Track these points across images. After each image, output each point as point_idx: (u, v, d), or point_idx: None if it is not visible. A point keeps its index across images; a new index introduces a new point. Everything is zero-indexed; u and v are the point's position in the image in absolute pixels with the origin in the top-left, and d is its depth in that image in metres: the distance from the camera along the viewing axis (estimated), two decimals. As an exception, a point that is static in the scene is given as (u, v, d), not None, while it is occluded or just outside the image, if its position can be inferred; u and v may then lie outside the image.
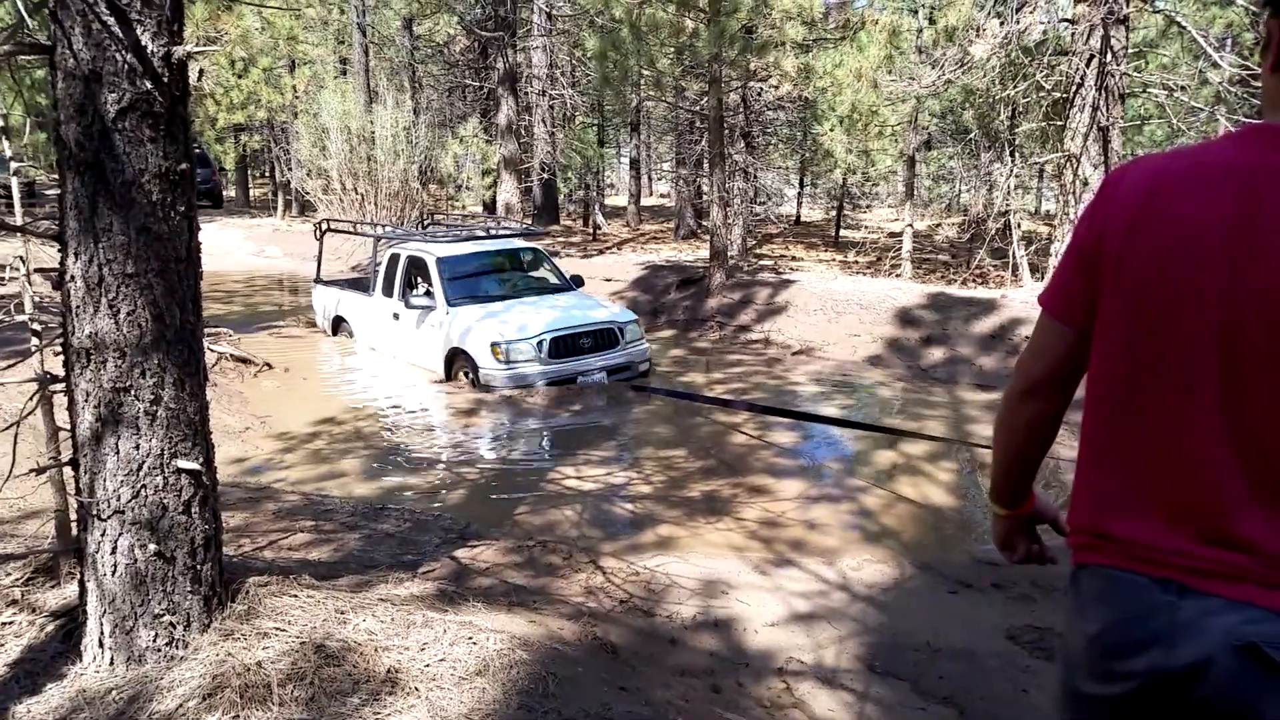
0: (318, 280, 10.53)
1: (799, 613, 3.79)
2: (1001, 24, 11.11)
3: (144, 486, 2.44)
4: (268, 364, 8.37)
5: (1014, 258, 12.35)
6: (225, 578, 2.71)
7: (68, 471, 2.66)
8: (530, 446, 6.56)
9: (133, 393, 2.40)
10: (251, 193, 28.57)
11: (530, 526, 4.82)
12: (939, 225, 18.26)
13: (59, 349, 2.49)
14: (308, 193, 17.91)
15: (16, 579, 2.91)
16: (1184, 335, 1.19)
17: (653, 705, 2.67)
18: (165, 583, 2.49)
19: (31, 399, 2.82)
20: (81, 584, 2.55)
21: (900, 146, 14.55)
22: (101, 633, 2.48)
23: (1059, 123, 10.92)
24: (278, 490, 5.19)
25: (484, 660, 2.56)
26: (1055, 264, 8.27)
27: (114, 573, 2.45)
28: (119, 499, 2.43)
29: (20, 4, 2.36)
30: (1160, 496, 1.23)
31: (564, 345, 7.69)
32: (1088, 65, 9.89)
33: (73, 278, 2.36)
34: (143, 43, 2.29)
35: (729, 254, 12.42)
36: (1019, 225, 12.41)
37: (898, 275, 13.31)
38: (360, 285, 10.09)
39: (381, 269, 9.09)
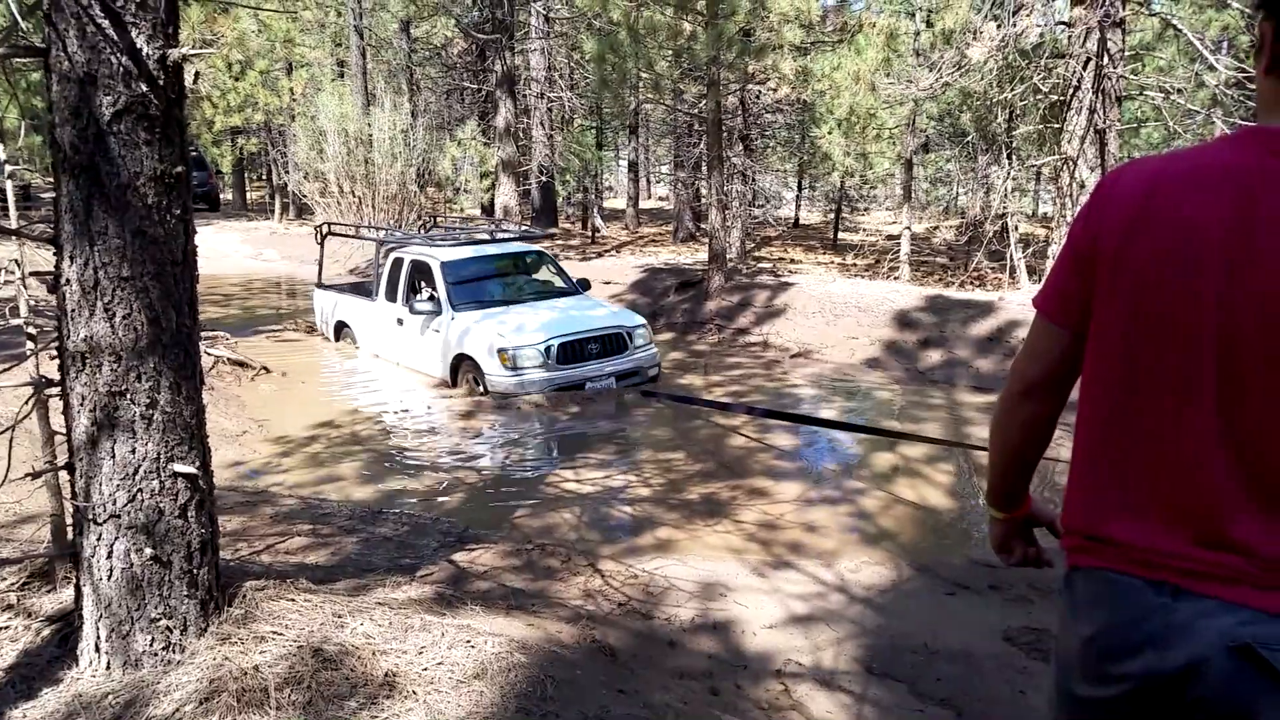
0: (319, 285, 10.42)
1: (797, 615, 3.79)
2: (998, 27, 11.15)
3: (140, 491, 2.44)
4: (265, 368, 8.36)
5: (1011, 260, 12.36)
6: (222, 582, 2.70)
7: (63, 476, 2.66)
8: (528, 450, 6.55)
9: (128, 396, 2.39)
10: (249, 196, 28.57)
11: (529, 529, 4.81)
12: (937, 228, 18.29)
13: (54, 353, 2.48)
14: (305, 196, 17.92)
15: (12, 583, 2.90)
16: (1182, 338, 1.19)
17: (651, 708, 2.67)
18: (161, 587, 2.49)
19: (27, 403, 2.81)
20: (77, 588, 2.54)
21: (898, 149, 14.57)
22: (98, 637, 2.47)
23: (1056, 125, 10.94)
24: (275, 494, 5.18)
25: (482, 663, 2.56)
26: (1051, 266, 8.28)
27: (110, 577, 2.45)
28: (115, 503, 2.42)
29: (14, 6, 2.36)
30: (1159, 499, 1.23)
31: (572, 351, 7.56)
32: (1084, 68, 9.92)
33: (68, 281, 2.36)
34: (138, 45, 2.29)
35: (728, 257, 12.43)
36: (1016, 228, 12.43)
37: (895, 278, 13.32)
38: (362, 290, 9.97)
39: (385, 273, 8.99)
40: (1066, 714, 1.34)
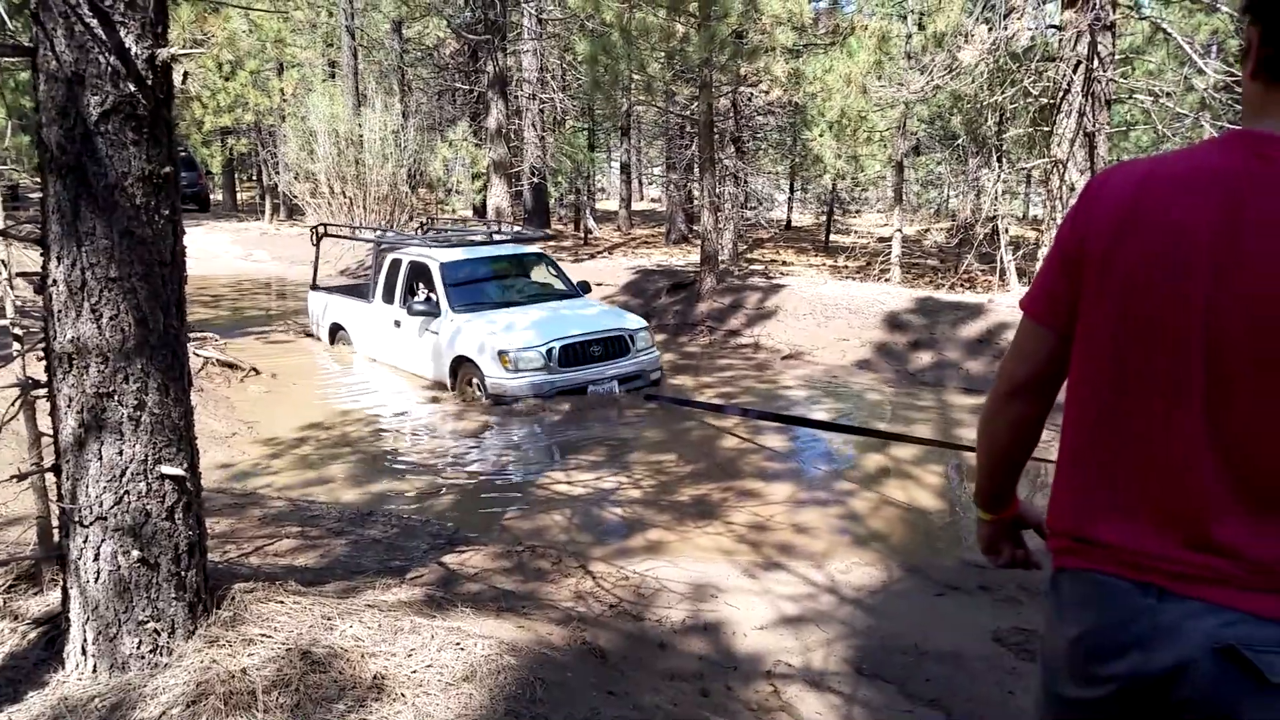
0: (314, 286, 10.26)
1: (787, 616, 3.79)
2: (990, 30, 11.20)
3: (127, 492, 2.42)
4: (254, 369, 8.32)
5: (1001, 262, 12.41)
6: (210, 584, 2.69)
7: (50, 477, 2.64)
8: (520, 451, 6.54)
9: (116, 398, 2.38)
10: (239, 196, 28.44)
11: (519, 531, 4.81)
12: (927, 230, 18.35)
13: (41, 354, 2.46)
14: (296, 196, 17.87)
15: (-2, 586, 2.88)
16: (1170, 341, 1.19)
17: (641, 710, 2.66)
18: (149, 589, 2.47)
19: (13, 404, 2.79)
20: (64, 591, 2.52)
21: (889, 152, 14.62)
22: (84, 640, 2.45)
23: (1046, 128, 10.99)
24: (264, 496, 5.16)
25: (471, 666, 2.55)
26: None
27: (97, 579, 2.43)
28: (102, 505, 2.41)
29: (1, 5, 2.34)
30: (1149, 501, 1.23)
31: (574, 353, 7.48)
32: (1074, 71, 9.96)
33: (55, 282, 2.34)
34: (126, 45, 2.27)
35: (720, 259, 12.44)
36: (1006, 230, 12.48)
37: (886, 280, 13.36)
38: (359, 291, 9.78)
39: (382, 275, 8.87)
40: (1053, 715, 1.34)
